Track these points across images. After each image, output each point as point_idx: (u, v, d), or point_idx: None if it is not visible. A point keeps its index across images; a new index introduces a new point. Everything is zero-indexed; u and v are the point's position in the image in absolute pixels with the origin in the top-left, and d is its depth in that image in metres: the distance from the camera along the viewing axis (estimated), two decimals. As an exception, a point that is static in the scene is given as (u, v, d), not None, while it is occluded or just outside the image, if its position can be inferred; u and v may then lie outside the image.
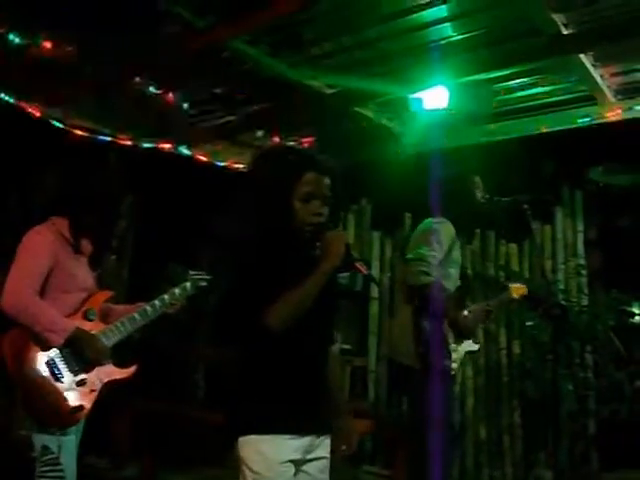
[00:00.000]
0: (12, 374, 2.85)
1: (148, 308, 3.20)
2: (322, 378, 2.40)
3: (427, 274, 3.72)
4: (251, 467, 2.20)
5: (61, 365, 2.91)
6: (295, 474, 2.26)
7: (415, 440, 2.67)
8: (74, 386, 2.94)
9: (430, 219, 3.99)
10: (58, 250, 2.99)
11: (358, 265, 2.44)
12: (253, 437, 2.22)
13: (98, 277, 3.24)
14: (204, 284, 3.38)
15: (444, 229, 3.92)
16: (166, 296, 3.26)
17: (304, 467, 2.30)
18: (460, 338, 3.95)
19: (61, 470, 2.86)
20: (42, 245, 2.97)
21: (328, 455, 2.38)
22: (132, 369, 3.17)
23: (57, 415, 2.89)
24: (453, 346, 3.86)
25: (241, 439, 2.24)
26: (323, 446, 2.36)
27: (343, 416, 2.54)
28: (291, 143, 2.60)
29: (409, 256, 3.94)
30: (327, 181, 2.38)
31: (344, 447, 2.49)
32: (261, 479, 2.19)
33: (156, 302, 3.22)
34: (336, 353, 2.62)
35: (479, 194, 4.00)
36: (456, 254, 3.97)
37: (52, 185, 3.18)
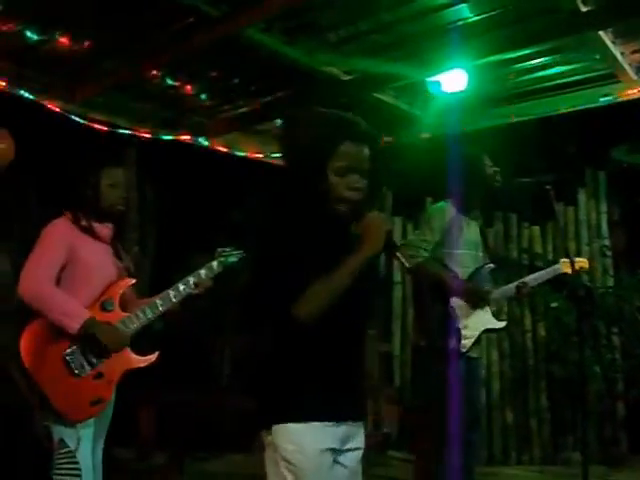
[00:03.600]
0: (29, 370, 2.85)
1: (171, 292, 3.11)
2: (359, 363, 2.28)
3: (413, 257, 3.74)
4: (285, 457, 2.06)
5: (78, 359, 2.90)
6: (332, 465, 2.13)
7: (431, 420, 2.66)
8: (92, 379, 2.93)
9: (436, 204, 4.01)
10: (73, 239, 2.99)
11: (399, 255, 2.23)
12: (290, 425, 2.07)
13: (126, 266, 3.20)
14: (234, 259, 3.21)
15: (437, 213, 3.97)
16: (191, 278, 3.14)
17: (340, 458, 2.17)
18: (473, 309, 3.91)
19: (76, 463, 2.85)
20: (56, 236, 2.99)
21: (363, 445, 2.26)
22: (153, 356, 3.11)
23: (76, 409, 2.88)
24: (463, 323, 3.82)
25: (275, 427, 2.09)
26: (359, 435, 2.23)
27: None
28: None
29: (400, 243, 4.00)
30: (366, 151, 2.14)
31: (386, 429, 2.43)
32: (297, 471, 2.05)
33: (180, 285, 3.12)
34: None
35: (489, 171, 3.97)
36: (466, 236, 3.95)
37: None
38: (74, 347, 2.90)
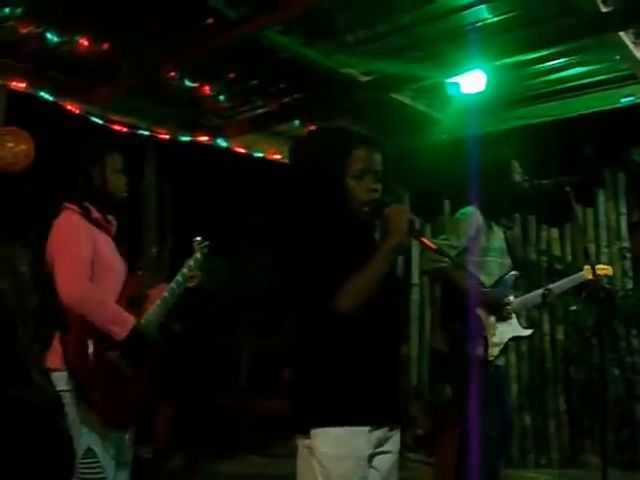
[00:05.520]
0: (79, 380, 2.77)
1: (174, 286, 3.12)
2: (397, 368, 2.31)
3: (437, 261, 3.72)
4: (321, 461, 2.08)
5: (123, 363, 2.84)
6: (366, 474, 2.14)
7: (453, 425, 2.64)
8: (132, 382, 2.88)
9: (463, 209, 3.98)
10: (91, 233, 2.91)
11: (425, 240, 2.33)
12: (329, 429, 2.09)
13: (138, 266, 3.21)
14: (206, 250, 3.27)
15: (466, 219, 3.92)
16: (185, 270, 3.17)
17: (373, 461, 2.18)
18: (498, 322, 3.88)
19: (102, 472, 2.80)
20: (78, 232, 2.88)
21: (396, 450, 2.27)
22: (174, 351, 3.12)
23: (124, 415, 2.87)
24: (490, 331, 3.79)
25: (314, 431, 2.11)
26: (393, 440, 2.25)
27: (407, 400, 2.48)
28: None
29: None
30: (378, 156, 2.28)
31: (419, 430, 2.43)
32: (332, 476, 2.08)
33: (178, 278, 3.15)
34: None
35: (518, 177, 3.95)
36: (492, 242, 3.93)
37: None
38: (118, 351, 2.83)
